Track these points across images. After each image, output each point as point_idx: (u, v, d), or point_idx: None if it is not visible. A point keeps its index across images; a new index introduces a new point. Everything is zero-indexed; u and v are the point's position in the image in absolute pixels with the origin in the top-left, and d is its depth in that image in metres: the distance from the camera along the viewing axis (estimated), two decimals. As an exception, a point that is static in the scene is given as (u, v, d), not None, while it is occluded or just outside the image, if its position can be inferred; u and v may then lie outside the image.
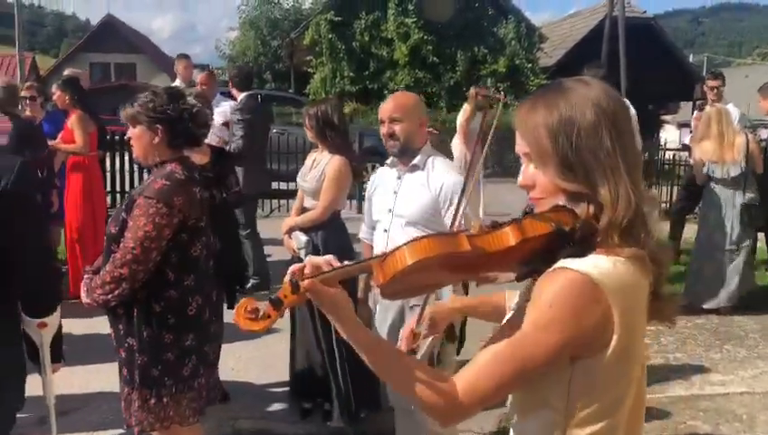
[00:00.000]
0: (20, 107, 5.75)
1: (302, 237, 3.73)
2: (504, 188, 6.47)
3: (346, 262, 1.32)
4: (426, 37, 17.72)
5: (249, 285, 5.63)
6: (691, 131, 8.22)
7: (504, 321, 1.44)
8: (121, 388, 2.67)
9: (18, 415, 3.33)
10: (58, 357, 2.42)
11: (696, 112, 8.52)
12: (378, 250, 3.01)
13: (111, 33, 36.46)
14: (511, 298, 1.57)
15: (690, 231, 7.12)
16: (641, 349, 1.30)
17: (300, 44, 19.36)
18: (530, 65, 18.67)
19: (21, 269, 2.10)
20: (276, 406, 4.03)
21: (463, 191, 2.11)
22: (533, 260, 1.27)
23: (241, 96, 6.24)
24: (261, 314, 1.28)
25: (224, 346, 4.05)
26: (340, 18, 17.85)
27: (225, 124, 6.26)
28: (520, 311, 1.32)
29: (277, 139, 9.93)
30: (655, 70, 19.37)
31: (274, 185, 7.55)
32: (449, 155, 5.26)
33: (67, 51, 41.95)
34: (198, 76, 6.46)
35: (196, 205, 2.63)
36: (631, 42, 13.06)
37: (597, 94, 1.26)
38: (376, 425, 3.68)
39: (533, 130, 1.27)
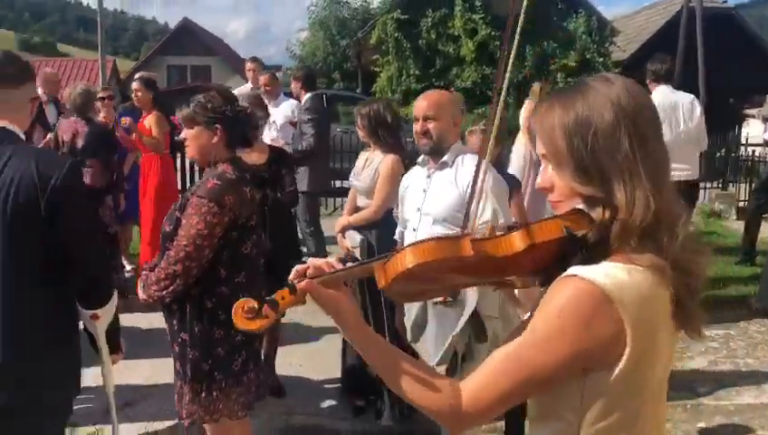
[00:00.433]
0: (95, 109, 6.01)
1: (357, 236, 3.77)
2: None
3: (349, 264, 1.32)
4: (493, 33, 17.48)
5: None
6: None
7: (520, 324, 1.42)
8: (175, 381, 2.77)
9: (85, 405, 3.54)
10: (115, 348, 2.51)
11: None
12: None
13: (188, 37, 37.64)
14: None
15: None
16: (662, 361, 1.24)
17: (367, 44, 19.48)
18: (601, 59, 18.15)
19: (78, 263, 2.20)
20: (329, 403, 4.09)
21: (472, 191, 2.05)
22: (548, 266, 1.23)
23: (306, 96, 6.34)
24: (259, 313, 1.28)
25: (281, 343, 4.19)
26: (406, 16, 17.84)
27: (293, 124, 6.38)
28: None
29: (341, 138, 10.07)
30: (737, 61, 18.51)
31: (339, 183, 7.64)
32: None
33: (146, 54, 43.58)
34: (261, 78, 6.60)
35: (246, 204, 2.70)
36: (710, 33, 12.51)
37: (617, 93, 1.21)
38: (424, 425, 3.67)
39: (549, 131, 1.23)
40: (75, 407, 2.38)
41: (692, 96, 5.82)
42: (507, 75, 1.99)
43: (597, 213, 1.20)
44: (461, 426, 1.23)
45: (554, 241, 1.19)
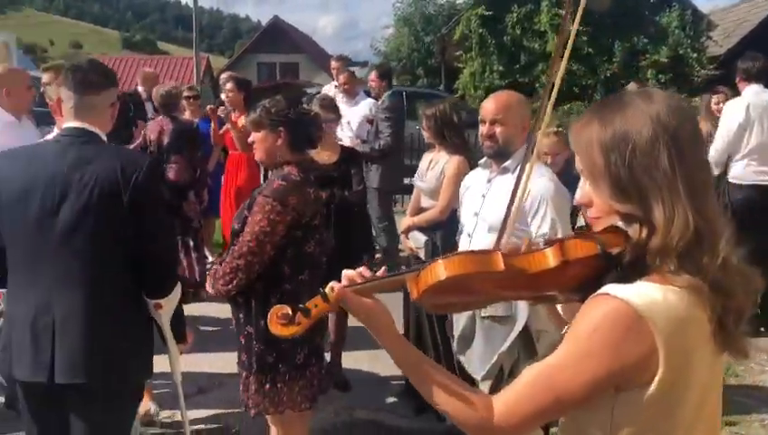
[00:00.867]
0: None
1: (421, 237, 3.79)
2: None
3: (378, 274, 1.35)
4: (581, 28, 16.96)
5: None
6: None
7: (557, 340, 1.41)
8: (240, 372, 2.90)
9: (158, 391, 3.73)
10: (181, 337, 2.66)
11: None
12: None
13: (278, 34, 38.51)
14: None
15: None
16: (700, 383, 1.20)
17: (451, 40, 19.39)
18: (696, 55, 17.31)
19: (152, 255, 2.37)
20: (392, 400, 4.14)
21: (513, 196, 1.99)
22: (586, 282, 1.21)
23: (384, 94, 6.40)
24: (292, 320, 1.35)
25: (347, 339, 4.28)
26: (491, 12, 17.64)
27: (369, 122, 6.46)
28: None
29: (418, 135, 10.06)
30: None
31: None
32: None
33: (238, 52, 44.95)
34: (340, 77, 6.70)
35: (310, 204, 2.80)
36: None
37: (657, 109, 1.18)
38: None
39: (587, 147, 1.22)
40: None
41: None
42: (561, 70, 1.93)
43: (634, 231, 1.18)
44: None
45: (589, 258, 1.18)
